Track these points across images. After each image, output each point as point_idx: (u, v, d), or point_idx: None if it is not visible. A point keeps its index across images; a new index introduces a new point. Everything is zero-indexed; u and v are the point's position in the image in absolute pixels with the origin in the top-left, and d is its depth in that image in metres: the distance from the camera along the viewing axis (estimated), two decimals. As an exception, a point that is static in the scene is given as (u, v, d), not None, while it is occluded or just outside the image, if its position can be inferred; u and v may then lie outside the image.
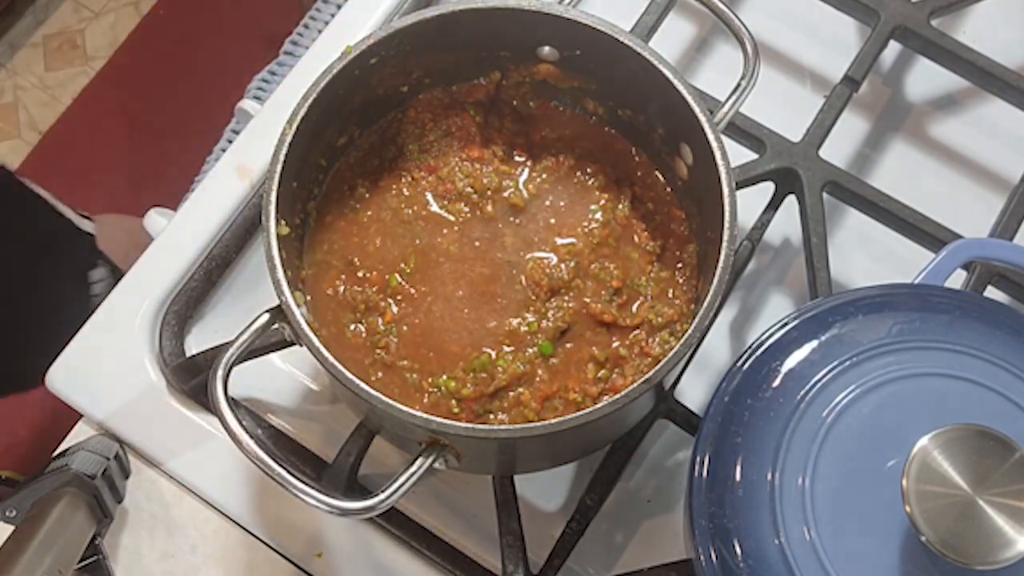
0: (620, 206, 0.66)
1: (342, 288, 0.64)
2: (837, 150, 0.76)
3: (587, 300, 0.64)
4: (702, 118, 0.59)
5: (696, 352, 0.67)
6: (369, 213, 0.66)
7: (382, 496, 0.53)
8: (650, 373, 0.54)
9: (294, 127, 0.58)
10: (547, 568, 0.64)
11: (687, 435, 0.68)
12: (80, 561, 0.64)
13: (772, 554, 0.50)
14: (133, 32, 1.94)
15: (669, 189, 0.67)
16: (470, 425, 0.56)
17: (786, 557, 0.50)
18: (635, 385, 0.54)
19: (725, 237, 0.57)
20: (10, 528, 0.63)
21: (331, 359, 0.54)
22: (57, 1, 1.97)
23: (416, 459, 0.55)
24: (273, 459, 0.53)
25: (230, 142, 0.78)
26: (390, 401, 0.54)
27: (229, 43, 1.89)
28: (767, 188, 0.74)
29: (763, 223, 0.73)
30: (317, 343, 0.55)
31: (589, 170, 0.67)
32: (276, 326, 0.56)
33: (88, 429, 0.70)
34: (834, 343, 0.55)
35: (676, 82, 0.60)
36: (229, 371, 0.55)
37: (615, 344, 0.63)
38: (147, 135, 1.85)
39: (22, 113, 1.89)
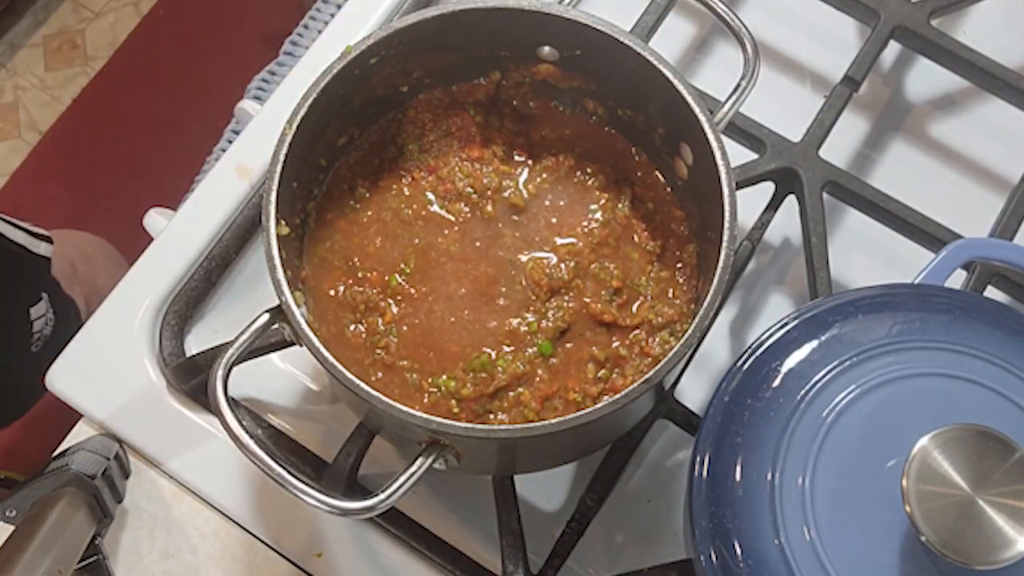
0: (620, 206, 0.66)
1: (342, 288, 0.64)
2: (837, 150, 0.76)
3: (587, 300, 0.64)
4: (702, 118, 0.59)
5: (696, 352, 0.67)
6: (369, 213, 0.66)
7: (382, 496, 0.53)
8: (650, 373, 0.54)
9: (294, 127, 0.58)
10: (547, 568, 0.65)
11: (687, 435, 0.68)
12: (80, 561, 0.64)
13: (772, 554, 0.50)
14: (133, 32, 1.94)
15: (669, 189, 0.67)
16: (470, 425, 0.56)
17: (786, 557, 0.50)
18: (635, 385, 0.54)
19: (725, 237, 0.57)
20: (10, 528, 0.63)
21: (331, 359, 0.54)
22: (57, 1, 1.97)
23: (416, 459, 0.55)
24: (273, 459, 0.53)
25: (230, 142, 0.78)
26: (390, 401, 0.54)
27: (229, 43, 1.90)
28: (767, 188, 0.74)
29: (763, 223, 0.73)
30: (317, 343, 0.55)
31: (589, 170, 0.67)
32: (276, 326, 0.56)
33: (88, 429, 0.70)
34: (834, 343, 0.55)
35: (676, 82, 0.60)
36: (229, 371, 0.55)
37: (615, 344, 0.63)
38: (147, 135, 1.85)
39: (22, 113, 1.89)
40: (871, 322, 0.56)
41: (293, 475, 0.53)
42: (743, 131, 0.73)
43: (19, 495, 0.63)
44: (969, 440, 0.48)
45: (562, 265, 0.64)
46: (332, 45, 0.78)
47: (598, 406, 0.54)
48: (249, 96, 0.85)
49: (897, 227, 0.72)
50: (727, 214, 0.57)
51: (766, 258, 0.76)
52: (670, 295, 0.64)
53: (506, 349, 0.62)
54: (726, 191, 0.57)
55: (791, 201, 0.73)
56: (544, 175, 0.67)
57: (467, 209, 0.66)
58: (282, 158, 0.58)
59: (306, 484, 0.53)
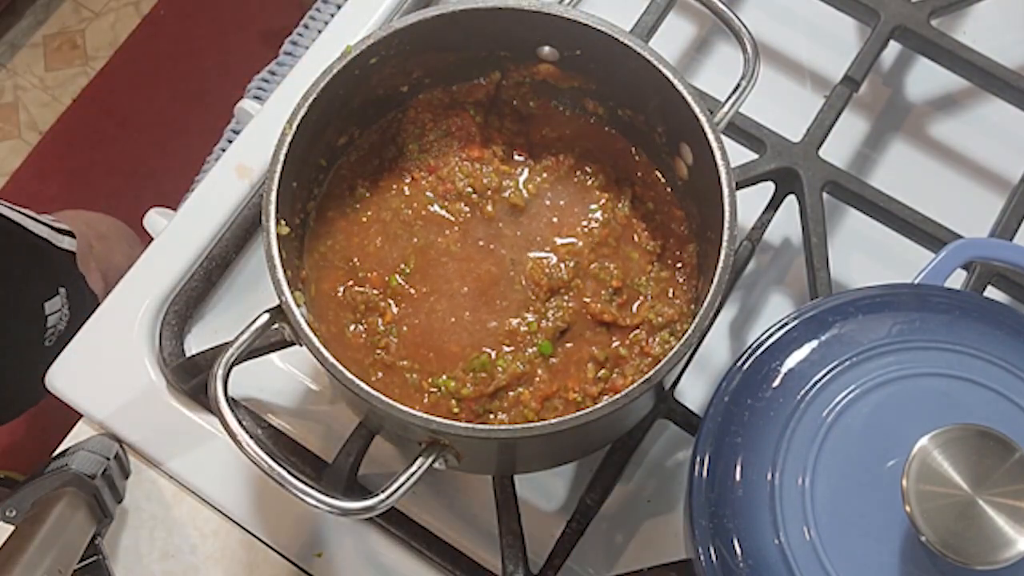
0: (620, 206, 0.66)
1: (342, 288, 0.64)
2: (837, 150, 0.76)
3: (587, 300, 0.64)
4: (702, 118, 0.59)
5: (696, 352, 0.67)
6: (369, 213, 0.66)
7: (382, 496, 0.53)
8: (650, 373, 0.54)
9: (294, 127, 0.58)
10: (547, 568, 0.65)
11: (687, 435, 0.68)
12: (80, 561, 0.64)
13: (772, 554, 0.50)
14: (133, 32, 1.94)
15: (669, 189, 0.67)
16: (470, 425, 0.56)
17: (786, 557, 0.50)
18: (635, 385, 0.54)
19: (725, 237, 0.57)
20: (10, 528, 0.63)
21: (331, 359, 0.54)
22: (57, 1, 1.97)
23: (416, 459, 0.55)
24: (273, 459, 0.53)
25: (230, 142, 0.78)
26: (390, 401, 0.54)
27: (229, 43, 1.89)
28: (767, 188, 0.74)
29: (763, 223, 0.73)
30: (317, 343, 0.55)
31: (589, 170, 0.67)
32: (276, 326, 0.56)
33: (88, 429, 0.70)
34: (834, 343, 0.55)
35: (676, 82, 0.60)
36: (229, 371, 0.55)
37: (615, 344, 0.63)
38: (147, 135, 1.85)
39: (22, 113, 1.89)
40: (871, 322, 0.56)
41: (293, 475, 0.53)
42: (743, 131, 0.73)
43: (19, 495, 0.63)
44: (969, 440, 0.48)
45: (562, 265, 0.64)
46: (332, 45, 0.78)
47: (598, 406, 0.54)
48: (249, 96, 0.85)
49: (897, 227, 0.72)
50: (727, 214, 0.57)
51: (766, 258, 0.76)
52: (670, 295, 0.64)
53: (506, 349, 0.62)
54: (726, 191, 0.57)
55: (791, 201, 0.73)
56: (544, 175, 0.67)
57: (467, 209, 0.66)
58: (282, 158, 0.58)
59: (306, 484, 0.53)
